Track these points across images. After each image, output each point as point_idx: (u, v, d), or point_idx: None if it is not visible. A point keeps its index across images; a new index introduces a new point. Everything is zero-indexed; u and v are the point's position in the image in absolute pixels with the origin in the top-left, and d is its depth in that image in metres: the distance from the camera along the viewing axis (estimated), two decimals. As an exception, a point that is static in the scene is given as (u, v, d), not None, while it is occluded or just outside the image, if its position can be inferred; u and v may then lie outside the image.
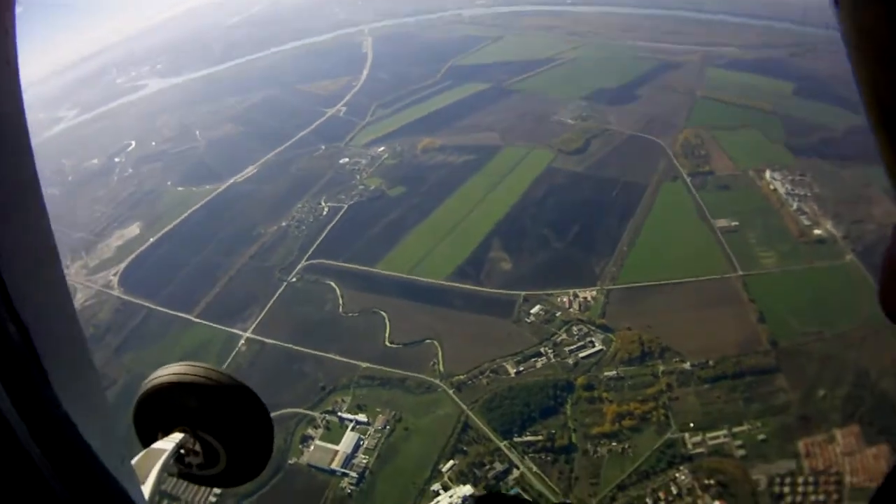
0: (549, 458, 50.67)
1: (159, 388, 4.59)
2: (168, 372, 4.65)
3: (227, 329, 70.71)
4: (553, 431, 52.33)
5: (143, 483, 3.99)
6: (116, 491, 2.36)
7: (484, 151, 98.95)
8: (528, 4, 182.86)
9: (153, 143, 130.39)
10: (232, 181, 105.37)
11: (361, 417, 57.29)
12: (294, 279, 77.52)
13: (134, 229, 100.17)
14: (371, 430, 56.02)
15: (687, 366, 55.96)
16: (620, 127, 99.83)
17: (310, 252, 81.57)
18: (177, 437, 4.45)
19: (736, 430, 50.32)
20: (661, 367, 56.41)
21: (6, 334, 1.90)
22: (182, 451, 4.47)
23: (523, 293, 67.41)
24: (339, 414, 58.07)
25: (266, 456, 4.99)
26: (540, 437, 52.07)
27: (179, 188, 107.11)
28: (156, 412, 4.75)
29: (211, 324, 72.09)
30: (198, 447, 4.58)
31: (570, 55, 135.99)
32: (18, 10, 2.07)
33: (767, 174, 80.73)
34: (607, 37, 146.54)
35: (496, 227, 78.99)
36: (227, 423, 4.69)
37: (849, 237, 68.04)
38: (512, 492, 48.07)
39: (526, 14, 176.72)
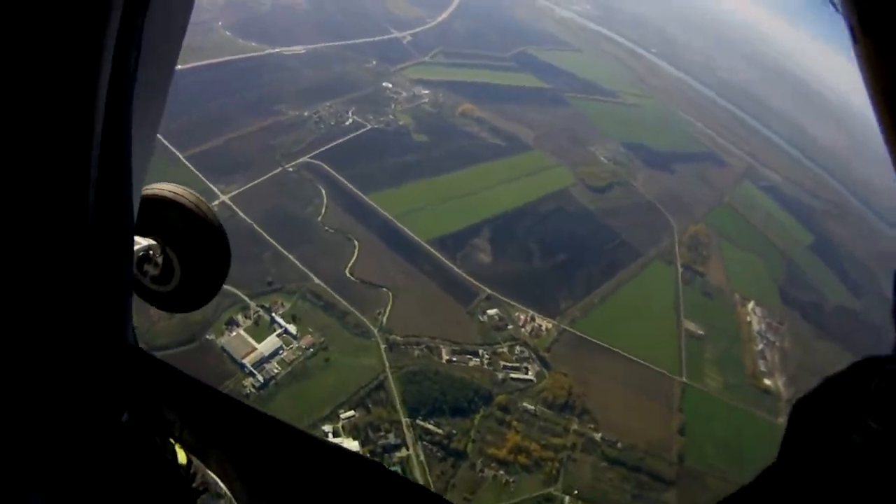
0: (438, 454, 50.16)
1: (151, 197, 4.73)
2: (164, 188, 4.84)
3: (207, 183, 68.20)
4: (454, 432, 51.79)
5: None
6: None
7: (515, 143, 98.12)
8: (617, 34, 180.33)
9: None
10: (278, 50, 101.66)
11: (291, 328, 56.20)
12: (291, 168, 75.88)
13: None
14: (295, 344, 55.08)
15: (598, 436, 55.83)
16: (645, 189, 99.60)
17: (317, 151, 79.89)
18: (149, 241, 4.65)
19: (612, 518, 50.41)
20: (575, 426, 56.23)
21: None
22: (147, 255, 4.68)
23: (488, 291, 66.88)
24: (273, 315, 56.94)
25: (207, 299, 5.21)
26: (440, 431, 51.52)
27: (227, 33, 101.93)
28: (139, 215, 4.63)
29: (195, 170, 69.21)
30: (160, 260, 4.79)
31: (632, 99, 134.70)
32: None
33: (750, 305, 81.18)
34: (673, 101, 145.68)
35: (492, 218, 78.13)
36: (196, 252, 4.88)
37: (791, 402, 68.73)
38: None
39: (611, 41, 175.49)
